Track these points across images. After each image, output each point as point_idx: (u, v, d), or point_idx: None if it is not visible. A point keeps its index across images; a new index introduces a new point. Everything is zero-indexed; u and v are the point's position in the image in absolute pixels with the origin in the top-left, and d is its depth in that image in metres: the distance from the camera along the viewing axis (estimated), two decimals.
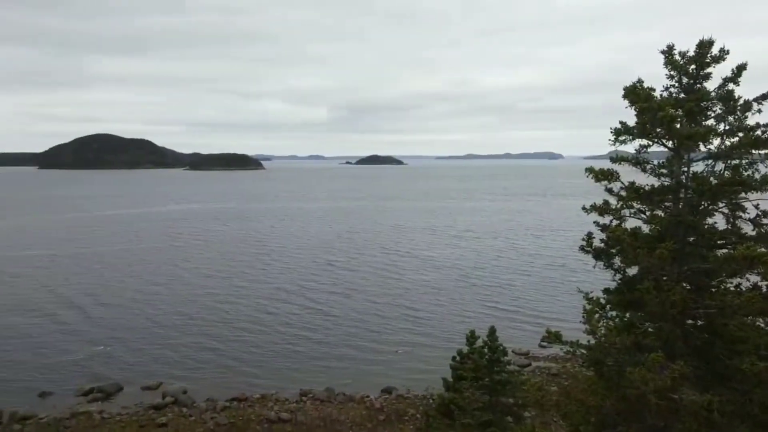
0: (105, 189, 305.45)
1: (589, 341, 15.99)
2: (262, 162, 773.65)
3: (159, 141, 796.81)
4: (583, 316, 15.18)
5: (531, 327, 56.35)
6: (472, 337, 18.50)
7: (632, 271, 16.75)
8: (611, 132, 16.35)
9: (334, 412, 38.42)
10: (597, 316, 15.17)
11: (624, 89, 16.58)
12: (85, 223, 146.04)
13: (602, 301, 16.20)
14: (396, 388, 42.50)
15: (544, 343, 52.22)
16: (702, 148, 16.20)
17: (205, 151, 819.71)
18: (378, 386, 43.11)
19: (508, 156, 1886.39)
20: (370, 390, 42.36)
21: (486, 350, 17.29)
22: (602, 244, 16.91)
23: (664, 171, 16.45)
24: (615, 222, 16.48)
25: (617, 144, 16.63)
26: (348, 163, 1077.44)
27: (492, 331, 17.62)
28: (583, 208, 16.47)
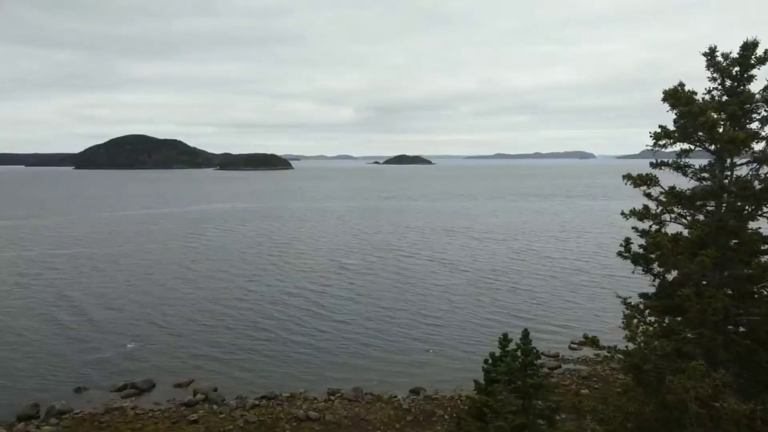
0: (137, 189, 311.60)
1: (627, 346, 15.65)
2: (291, 162, 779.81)
3: (191, 142, 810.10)
4: (623, 322, 14.84)
5: (560, 329, 55.68)
6: (504, 340, 18.28)
7: (670, 276, 16.32)
8: (650, 136, 15.95)
9: (362, 411, 38.46)
10: (636, 321, 14.84)
11: (664, 92, 16.17)
12: (117, 222, 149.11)
13: (641, 306, 15.83)
14: (424, 389, 42.33)
15: (574, 346, 51.61)
16: (746, 151, 15.72)
17: (235, 152, 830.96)
18: (405, 387, 43.02)
19: (538, 155, 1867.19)
20: (398, 390, 42.30)
21: (519, 353, 17.06)
22: (641, 250, 16.50)
23: (705, 175, 16.00)
24: (654, 227, 16.06)
25: (657, 147, 16.21)
26: (376, 162, 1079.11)
27: (525, 334, 17.38)
28: (622, 214, 16.11)
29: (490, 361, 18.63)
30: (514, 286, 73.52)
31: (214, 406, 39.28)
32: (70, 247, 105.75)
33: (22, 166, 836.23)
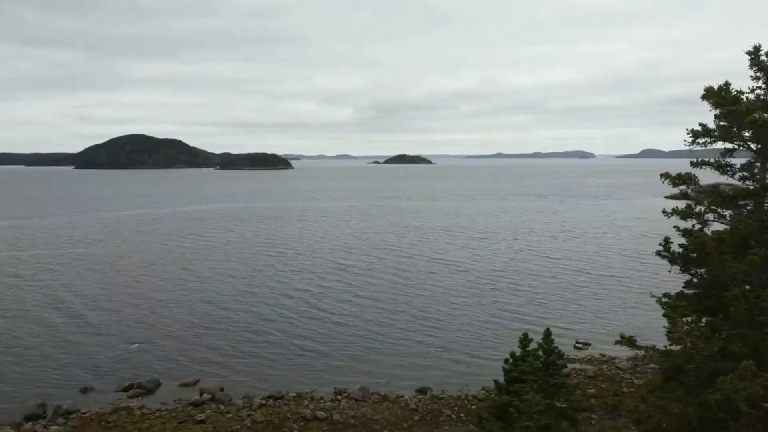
0: (137, 188, 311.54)
1: (666, 346, 15.63)
2: (291, 162, 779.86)
3: (191, 141, 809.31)
4: (668, 324, 14.79)
5: (562, 329, 55.41)
6: (525, 340, 18.31)
7: (709, 275, 16.26)
8: (688, 133, 15.88)
9: (369, 411, 38.49)
10: (682, 322, 14.81)
11: (705, 90, 16.07)
12: (115, 222, 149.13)
13: (680, 306, 15.77)
14: (430, 389, 42.37)
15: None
16: None
17: (235, 151, 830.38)
18: (412, 386, 43.04)
19: (537, 155, 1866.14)
20: (404, 390, 42.32)
21: (541, 353, 17.09)
22: (681, 249, 16.42)
23: (746, 174, 15.96)
24: (697, 226, 15.99)
25: (695, 146, 16.16)
26: (376, 162, 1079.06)
27: (547, 334, 17.43)
28: (664, 212, 16.01)
29: (510, 360, 18.62)
30: (515, 286, 73.42)
31: (221, 406, 39.30)
32: (70, 248, 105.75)
33: (22, 166, 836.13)
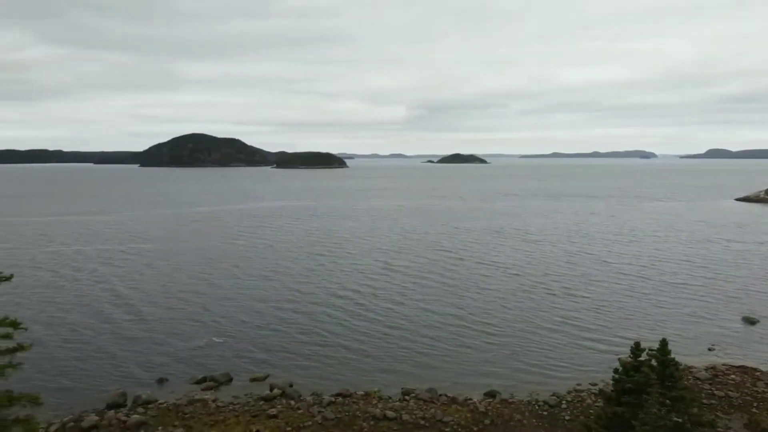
0: (198, 186, 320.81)
1: None
2: (345, 160, 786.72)
3: (246, 140, 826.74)
4: None
5: (619, 338, 53.66)
6: (637, 349, 17.56)
7: None
8: None
9: (438, 413, 38.17)
10: None
11: None
12: (183, 218, 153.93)
13: None
14: (499, 393, 41.70)
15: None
16: None
17: (289, 150, 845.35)
18: (480, 389, 42.49)
19: (596, 155, 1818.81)
20: (472, 393, 41.80)
21: (655, 363, 16.37)
22: None
23: None
24: None
25: None
26: (430, 161, 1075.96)
27: (664, 344, 16.66)
28: None
29: (620, 369, 17.91)
30: (571, 291, 70.87)
31: (292, 402, 39.80)
32: (140, 242, 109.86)
33: (91, 164, 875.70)
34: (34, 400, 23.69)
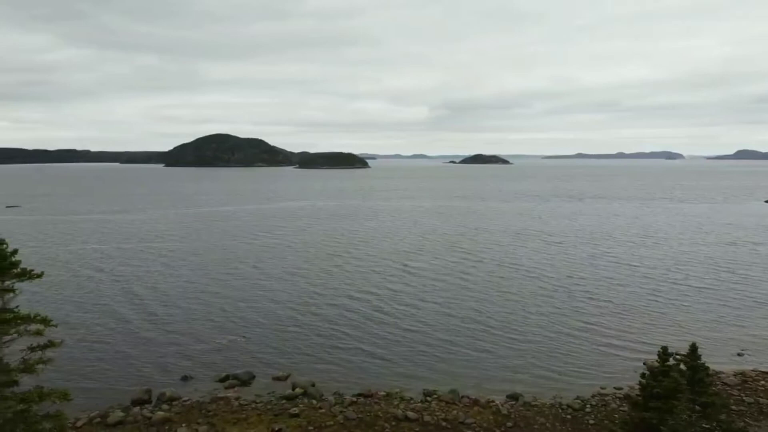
0: (222, 186, 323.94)
1: None
2: (367, 161, 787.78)
3: (269, 141, 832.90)
4: None
5: (640, 344, 52.91)
6: (664, 354, 17.30)
7: None
8: None
9: (460, 414, 38.03)
10: None
11: None
12: (207, 218, 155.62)
13: None
14: (522, 395, 41.38)
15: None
16: None
17: (312, 150, 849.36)
18: (502, 392, 42.22)
19: (621, 155, 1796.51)
20: (495, 395, 41.56)
21: (684, 368, 16.10)
22: None
23: None
24: None
25: None
26: (452, 162, 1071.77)
27: (693, 349, 16.39)
28: None
29: (647, 374, 17.65)
30: (593, 295, 69.67)
31: (313, 401, 39.98)
32: (163, 242, 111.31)
33: (117, 164, 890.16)
34: (64, 396, 24.15)
